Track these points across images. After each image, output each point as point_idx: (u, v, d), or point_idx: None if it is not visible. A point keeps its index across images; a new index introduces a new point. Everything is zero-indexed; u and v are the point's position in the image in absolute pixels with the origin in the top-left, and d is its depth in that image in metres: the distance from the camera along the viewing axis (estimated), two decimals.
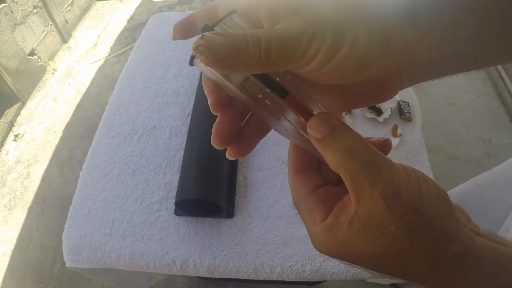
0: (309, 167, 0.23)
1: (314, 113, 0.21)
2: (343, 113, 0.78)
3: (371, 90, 0.20)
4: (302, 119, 0.21)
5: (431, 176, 0.70)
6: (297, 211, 0.23)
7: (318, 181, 0.22)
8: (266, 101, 0.20)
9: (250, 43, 0.17)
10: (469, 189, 0.79)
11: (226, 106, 0.22)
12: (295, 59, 0.18)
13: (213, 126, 0.22)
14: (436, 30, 0.18)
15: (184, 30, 0.23)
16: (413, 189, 0.18)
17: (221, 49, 0.17)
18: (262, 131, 0.24)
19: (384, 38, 0.18)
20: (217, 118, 0.23)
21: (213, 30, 0.19)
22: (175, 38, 0.23)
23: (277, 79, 0.20)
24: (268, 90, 0.20)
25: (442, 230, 0.18)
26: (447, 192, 0.19)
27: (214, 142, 0.22)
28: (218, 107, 0.22)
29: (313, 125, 0.20)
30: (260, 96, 0.20)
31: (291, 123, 0.21)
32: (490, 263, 0.18)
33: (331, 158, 0.19)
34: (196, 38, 0.18)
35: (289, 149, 0.24)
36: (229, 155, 0.23)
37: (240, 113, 0.23)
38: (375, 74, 0.19)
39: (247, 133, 0.23)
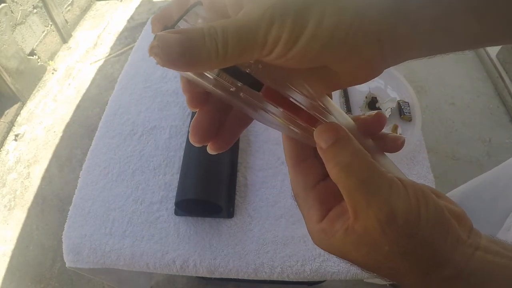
0: (306, 155, 0.22)
1: (291, 99, 0.20)
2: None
3: (352, 70, 0.19)
4: (281, 109, 0.20)
5: (431, 176, 0.70)
6: (297, 204, 0.22)
7: (317, 172, 0.22)
8: (241, 94, 0.19)
9: (206, 37, 0.16)
10: (470, 189, 0.79)
11: (203, 102, 0.22)
12: (255, 49, 0.17)
13: (191, 123, 0.22)
14: (419, 4, 0.17)
15: (160, 23, 0.22)
16: (411, 212, 0.17)
17: (175, 48, 0.16)
18: (243, 122, 0.24)
19: (357, 15, 0.17)
20: (194, 115, 0.22)
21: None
22: (154, 32, 0.22)
23: (248, 70, 0.19)
24: (240, 84, 0.19)
25: (436, 255, 0.18)
26: (448, 193, 0.19)
27: (192, 140, 0.22)
28: (195, 104, 0.22)
29: (318, 133, 0.19)
30: (232, 89, 0.19)
31: (269, 113, 0.20)
32: (483, 280, 0.18)
33: (331, 172, 0.19)
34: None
35: (283, 141, 0.23)
36: (210, 150, 0.23)
37: (218, 108, 0.22)
38: (350, 52, 0.18)
39: (227, 126, 0.23)
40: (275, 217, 0.66)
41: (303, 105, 0.20)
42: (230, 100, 0.20)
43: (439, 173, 1.38)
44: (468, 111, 1.60)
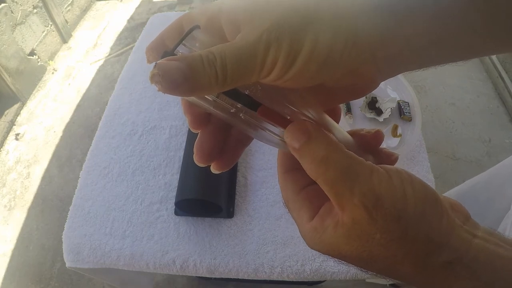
0: (297, 166, 0.22)
1: (286, 116, 0.20)
2: (342, 114, 0.78)
3: (348, 85, 0.20)
4: (279, 128, 0.20)
5: (431, 176, 0.70)
6: (288, 211, 0.23)
7: (306, 180, 0.22)
8: (240, 115, 0.20)
9: (205, 63, 0.16)
10: (465, 190, 0.79)
11: (204, 123, 0.22)
12: (254, 72, 0.17)
13: (195, 144, 0.22)
14: (412, 20, 0.17)
15: (156, 52, 0.22)
16: (396, 195, 0.17)
17: (175, 76, 0.16)
18: (245, 141, 0.24)
19: (351, 34, 0.17)
20: (197, 136, 0.22)
21: (174, 54, 0.18)
22: (149, 61, 0.22)
23: (247, 91, 0.19)
24: (239, 105, 0.20)
25: (430, 237, 0.17)
26: (443, 195, 0.19)
27: (197, 160, 0.22)
28: (196, 125, 0.22)
29: (290, 134, 0.19)
30: (233, 111, 0.20)
31: (268, 132, 0.21)
32: (485, 268, 0.17)
33: (308, 169, 0.19)
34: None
35: (278, 150, 0.23)
36: (213, 169, 0.23)
37: (220, 128, 0.23)
38: (347, 70, 0.18)
39: (229, 145, 0.23)
40: (275, 217, 0.66)
41: None
42: (230, 120, 0.20)
43: (439, 173, 1.38)
44: (468, 111, 1.60)
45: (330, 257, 0.20)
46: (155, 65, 0.16)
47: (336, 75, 0.18)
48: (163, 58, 0.17)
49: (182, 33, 0.20)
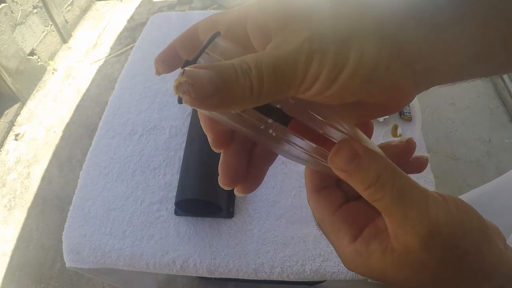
0: (329, 184, 0.21)
1: (320, 131, 0.18)
2: None
3: (384, 100, 0.18)
4: (313, 144, 0.19)
5: (431, 176, 0.70)
6: (321, 232, 0.21)
7: (341, 198, 0.21)
8: (270, 131, 0.18)
9: (238, 74, 0.14)
10: (471, 201, 0.77)
11: (227, 142, 0.20)
12: (293, 85, 0.15)
13: (219, 166, 0.20)
14: (456, 32, 0.16)
15: (165, 63, 0.20)
16: (454, 223, 0.16)
17: (207, 85, 0.14)
18: (270, 158, 0.22)
19: (395, 45, 0.16)
20: (221, 157, 0.21)
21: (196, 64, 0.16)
22: (158, 73, 0.20)
23: (278, 105, 0.17)
24: (270, 120, 0.17)
25: (482, 267, 0.17)
26: None
27: (223, 183, 0.20)
28: (219, 145, 0.20)
29: (337, 155, 0.18)
30: (262, 127, 0.18)
31: (298, 148, 0.19)
32: None
33: (364, 193, 0.17)
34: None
35: (305, 168, 0.22)
36: (238, 192, 0.21)
37: (244, 146, 0.21)
38: (387, 86, 0.17)
39: (254, 164, 0.21)
40: (275, 217, 0.66)
41: (335, 139, 0.18)
42: (257, 137, 0.18)
43: (439, 173, 1.38)
44: (468, 111, 1.60)
45: (373, 279, 0.20)
46: (182, 73, 0.14)
47: (377, 90, 0.17)
48: (184, 67, 0.14)
49: (196, 41, 0.18)
